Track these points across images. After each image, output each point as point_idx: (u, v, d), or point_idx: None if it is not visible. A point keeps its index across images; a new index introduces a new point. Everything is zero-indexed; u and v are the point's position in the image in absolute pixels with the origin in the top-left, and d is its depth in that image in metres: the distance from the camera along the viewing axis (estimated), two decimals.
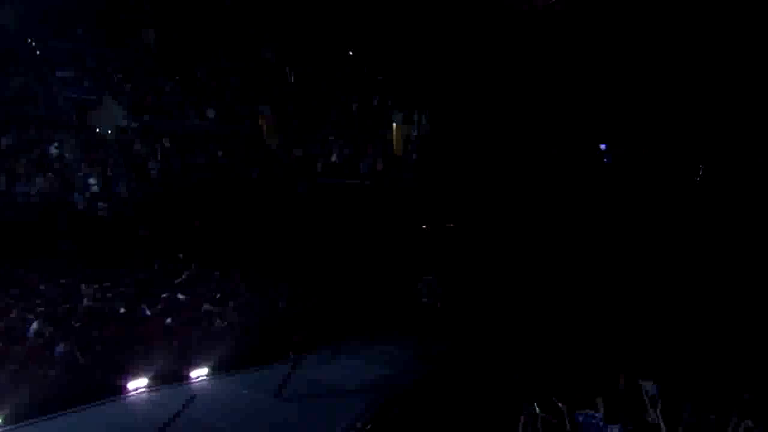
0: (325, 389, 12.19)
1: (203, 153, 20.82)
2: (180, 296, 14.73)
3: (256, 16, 24.28)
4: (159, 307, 13.91)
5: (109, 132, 19.80)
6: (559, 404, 9.15)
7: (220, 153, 21.06)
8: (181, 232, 17.23)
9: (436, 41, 22.73)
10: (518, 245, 19.47)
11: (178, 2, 23.50)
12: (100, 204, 16.88)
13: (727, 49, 17.49)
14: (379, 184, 21.84)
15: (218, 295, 15.20)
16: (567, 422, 8.84)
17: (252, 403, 11.47)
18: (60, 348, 11.62)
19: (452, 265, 19.03)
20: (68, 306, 13.03)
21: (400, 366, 13.62)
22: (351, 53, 26.99)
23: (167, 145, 20.15)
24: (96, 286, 14.04)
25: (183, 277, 15.86)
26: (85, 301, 13.47)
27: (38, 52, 20.98)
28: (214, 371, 13.00)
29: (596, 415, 9.28)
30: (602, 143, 22.81)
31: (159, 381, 12.17)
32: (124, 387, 11.76)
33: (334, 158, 22.58)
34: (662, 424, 8.94)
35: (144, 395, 11.77)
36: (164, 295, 14.44)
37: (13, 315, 12.12)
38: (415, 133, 23.79)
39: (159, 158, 19.53)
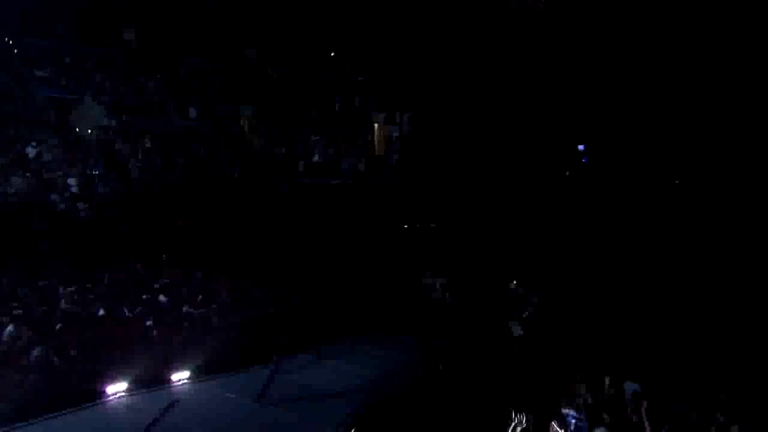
0: (307, 393, 11.80)
1: (185, 152, 20.27)
2: (161, 298, 14.25)
3: (239, 16, 23.79)
4: (139, 309, 13.43)
5: (90, 131, 19.15)
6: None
7: (202, 152, 20.54)
8: (163, 232, 16.68)
9: (418, 44, 22.47)
10: (498, 244, 19.28)
11: (159, 1, 22.89)
12: (79, 204, 16.28)
13: (705, 55, 17.38)
14: (361, 184, 21.51)
15: (200, 297, 14.72)
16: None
17: (234, 408, 11.04)
18: (36, 352, 11.11)
19: (436, 263, 18.79)
20: (45, 308, 12.50)
21: (383, 369, 13.27)
22: (333, 54, 26.61)
23: (148, 144, 19.57)
24: (73, 288, 13.47)
25: (164, 278, 15.34)
26: (62, 303, 12.94)
27: (16, 51, 20.24)
28: (196, 374, 12.53)
29: (579, 415, 9.06)
30: (580, 144, 22.73)
31: (139, 385, 11.68)
32: (103, 391, 11.27)
33: (316, 158, 22.21)
34: (646, 424, 8.68)
35: (123, 400, 11.27)
36: (145, 297, 13.96)
37: None
38: (396, 134, 23.55)
39: (140, 158, 18.97)
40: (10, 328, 11.44)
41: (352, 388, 11.98)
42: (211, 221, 17.33)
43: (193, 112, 21.91)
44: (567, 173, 21.92)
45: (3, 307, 12.10)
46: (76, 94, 19.83)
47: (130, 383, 11.53)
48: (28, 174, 16.24)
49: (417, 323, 15.79)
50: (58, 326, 12.08)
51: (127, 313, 13.16)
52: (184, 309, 14.09)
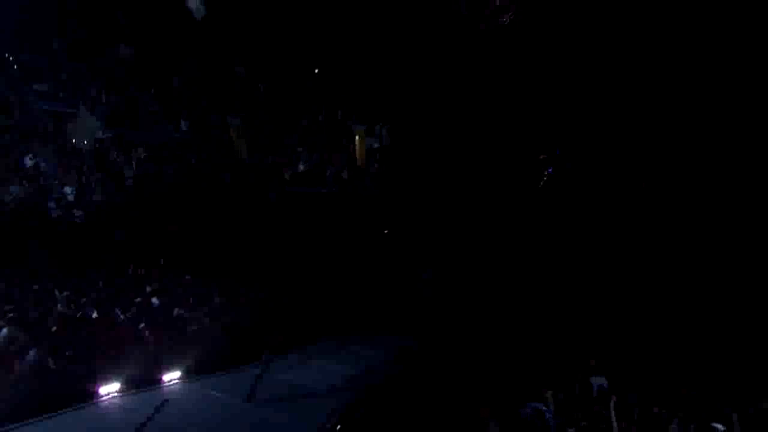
0: (295, 391, 11.46)
1: (176, 161, 19.83)
2: (154, 300, 13.77)
3: (229, 35, 23.51)
4: (132, 311, 12.94)
5: (85, 142, 18.61)
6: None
7: (192, 161, 20.11)
8: (155, 237, 16.25)
9: (397, 61, 22.44)
10: (472, 248, 19.22)
11: (153, 19, 22.49)
12: (75, 211, 15.77)
13: (675, 66, 17.24)
14: (344, 192, 21.35)
15: (191, 299, 14.29)
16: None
17: (224, 406, 10.65)
18: (31, 354, 10.61)
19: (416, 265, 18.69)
20: (40, 311, 11.97)
21: (364, 367, 12.99)
22: (317, 71, 26.45)
23: (142, 155, 19.08)
24: (68, 292, 12.94)
25: (157, 282, 14.86)
26: (59, 306, 12.42)
27: (15, 66, 19.65)
28: (187, 375, 12.09)
29: (545, 409, 8.84)
30: (545, 154, 22.74)
31: (131, 385, 11.22)
32: (97, 392, 10.79)
33: (301, 167, 22.00)
34: (614, 420, 8.48)
35: (116, 400, 10.81)
36: (138, 300, 13.46)
37: None
38: (376, 145, 23.49)
39: (134, 167, 18.48)
40: (5, 330, 10.95)
41: (336, 386, 11.70)
42: (202, 227, 16.98)
43: (184, 124, 21.52)
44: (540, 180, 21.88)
45: None
46: (72, 107, 19.32)
47: (122, 384, 11.09)
48: (25, 182, 15.68)
49: (398, 323, 15.60)
50: (53, 329, 11.57)
51: (120, 316, 12.67)
52: (176, 311, 13.64)
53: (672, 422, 8.68)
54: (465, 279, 17.91)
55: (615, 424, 8.09)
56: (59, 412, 10.00)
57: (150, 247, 15.90)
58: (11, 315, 11.44)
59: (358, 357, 13.72)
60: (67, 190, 16.35)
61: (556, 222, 18.82)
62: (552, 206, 19.67)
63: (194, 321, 13.55)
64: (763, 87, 15.60)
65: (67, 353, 11.19)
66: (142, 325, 12.55)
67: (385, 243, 20.22)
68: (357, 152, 22.45)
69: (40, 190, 15.93)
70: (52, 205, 15.66)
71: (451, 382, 11.05)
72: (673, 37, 16.80)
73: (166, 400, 9.98)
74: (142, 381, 11.41)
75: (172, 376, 11.89)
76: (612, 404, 8.19)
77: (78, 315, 12.23)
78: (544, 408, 8.78)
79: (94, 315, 12.34)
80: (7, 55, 19.61)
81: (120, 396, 10.92)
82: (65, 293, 12.90)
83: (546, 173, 21.17)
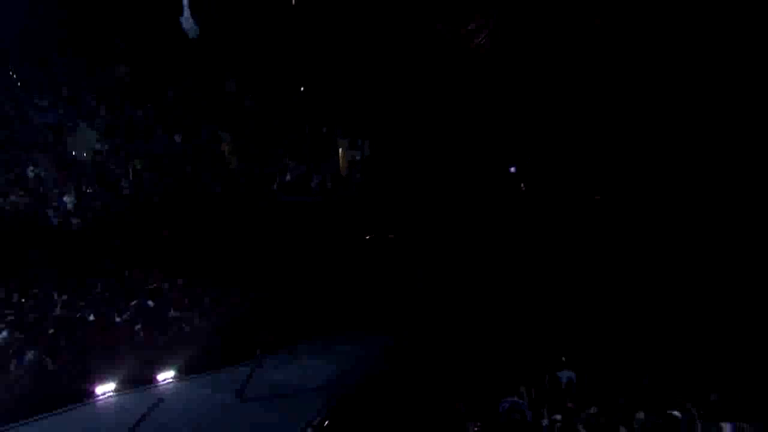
0: (285, 389, 11.13)
1: (171, 172, 19.40)
2: (149, 303, 13.33)
3: (221, 54, 23.24)
4: (128, 313, 12.50)
5: (84, 154, 18.14)
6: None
7: (186, 171, 19.70)
8: (150, 243, 15.83)
9: (378, 81, 22.46)
10: (448, 251, 19.16)
11: (149, 40, 22.11)
12: (73, 219, 15.29)
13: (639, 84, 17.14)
14: (328, 199, 21.19)
15: (185, 301, 13.88)
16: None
17: (216, 405, 10.28)
18: (29, 355, 10.17)
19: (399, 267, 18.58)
20: (38, 315, 11.49)
21: (350, 365, 12.70)
22: (302, 89, 26.31)
23: (138, 166, 18.64)
24: (66, 297, 12.48)
25: (152, 285, 14.43)
26: (57, 309, 11.96)
27: (19, 83, 19.10)
28: (180, 374, 11.70)
29: (521, 401, 8.65)
30: (512, 166, 22.79)
31: (126, 385, 10.82)
32: (92, 392, 10.38)
33: (288, 177, 21.75)
34: (582, 413, 8.33)
35: (112, 399, 10.43)
36: (133, 303, 13.02)
37: None
38: (358, 157, 23.46)
39: (130, 177, 18.03)
40: (4, 333, 10.52)
41: (325, 384, 11.41)
42: (195, 233, 16.64)
43: (177, 137, 21.13)
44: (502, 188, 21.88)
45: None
46: (71, 121, 18.85)
47: (117, 383, 10.71)
48: (24, 192, 15.16)
49: (384, 323, 15.42)
50: (50, 331, 11.13)
51: (116, 318, 12.24)
52: (170, 313, 13.23)
53: (638, 412, 8.56)
54: (441, 281, 17.79)
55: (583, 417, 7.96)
56: (56, 411, 9.65)
57: (145, 252, 15.50)
58: (10, 318, 11.02)
59: (346, 355, 13.42)
60: (66, 199, 15.87)
61: (526, 227, 18.81)
62: (523, 211, 19.68)
63: (187, 322, 13.15)
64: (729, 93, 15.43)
65: (63, 354, 10.77)
66: (138, 326, 12.13)
67: (368, 246, 20.11)
68: (340, 163, 22.40)
69: (40, 198, 15.43)
70: (51, 213, 15.18)
71: (430, 379, 10.85)
72: (640, 56, 16.73)
73: (161, 399, 9.58)
74: (137, 380, 11.05)
75: (166, 376, 11.51)
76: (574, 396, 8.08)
77: (75, 317, 11.80)
78: (520, 401, 8.60)
79: (91, 318, 11.91)
80: (11, 72, 19.09)
81: (115, 395, 10.56)
82: (63, 297, 12.45)
83: (517, 180, 21.20)
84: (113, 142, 18.94)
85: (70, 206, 15.67)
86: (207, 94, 23.53)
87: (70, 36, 20.57)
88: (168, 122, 21.59)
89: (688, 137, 16.15)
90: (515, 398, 8.41)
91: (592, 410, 8.02)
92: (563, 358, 10.52)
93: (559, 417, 7.81)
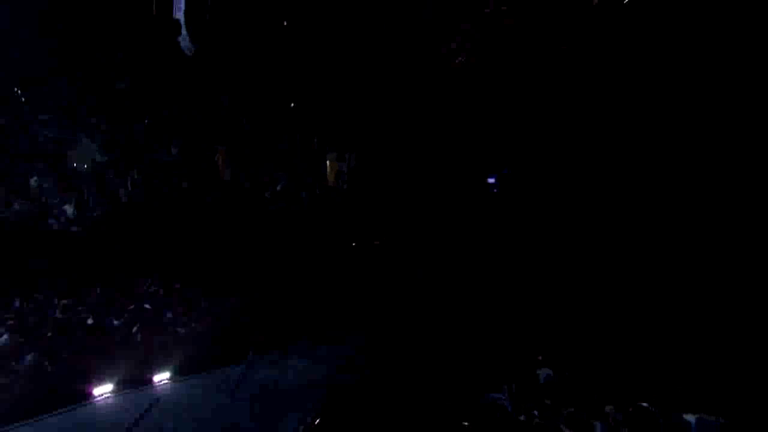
0: (277, 388, 10.82)
1: (167, 182, 19.02)
2: (146, 306, 12.93)
3: (216, 71, 22.97)
4: (126, 316, 12.10)
5: (85, 166, 17.70)
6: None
7: (182, 182, 19.32)
8: (148, 250, 15.43)
9: (363, 97, 22.42)
10: (430, 256, 19.05)
11: (147, 57, 21.74)
12: (73, 227, 14.85)
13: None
14: (317, 208, 20.98)
15: (180, 304, 13.50)
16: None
17: (209, 404, 9.95)
18: (29, 358, 9.76)
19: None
20: (38, 318, 11.06)
21: (337, 365, 12.42)
22: (292, 105, 26.13)
23: (136, 177, 18.22)
24: (66, 301, 12.03)
25: (149, 289, 14.02)
26: (57, 313, 11.52)
27: (23, 99, 18.58)
28: (176, 375, 11.33)
29: (503, 398, 8.52)
30: (491, 176, 22.78)
31: (123, 386, 10.44)
32: (90, 393, 9.99)
33: (279, 188, 21.55)
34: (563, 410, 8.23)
35: (109, 400, 10.03)
36: (131, 307, 12.62)
37: None
38: (345, 169, 23.35)
39: (129, 187, 17.61)
40: (5, 337, 10.09)
41: (316, 383, 11.13)
42: (190, 240, 16.29)
43: (174, 150, 20.76)
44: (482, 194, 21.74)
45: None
46: (73, 134, 18.38)
47: (115, 385, 10.33)
48: (26, 201, 14.69)
49: (371, 324, 15.19)
50: (49, 334, 10.71)
51: (114, 321, 11.83)
52: (166, 315, 12.85)
53: (607, 406, 8.48)
54: (425, 283, 17.61)
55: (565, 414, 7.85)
56: (54, 412, 9.24)
57: (142, 258, 15.09)
58: (11, 322, 10.59)
59: (336, 355, 13.15)
60: (67, 208, 15.43)
61: (504, 231, 18.74)
62: (501, 215, 19.63)
63: (183, 324, 12.78)
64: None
65: (62, 356, 10.37)
66: (135, 329, 11.75)
67: (354, 251, 19.95)
68: (328, 175, 22.27)
69: (42, 207, 14.97)
70: (52, 221, 14.72)
71: (417, 377, 10.65)
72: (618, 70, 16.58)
73: (157, 400, 9.26)
74: (134, 381, 10.68)
75: (162, 377, 11.13)
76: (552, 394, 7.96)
77: (74, 321, 11.38)
78: (502, 397, 8.46)
79: (90, 321, 11.50)
80: (15, 89, 18.58)
81: (113, 396, 10.16)
82: (63, 301, 12.01)
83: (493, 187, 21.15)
84: (113, 154, 18.53)
85: (70, 215, 15.24)
86: (202, 109, 23.23)
87: (71, 53, 20.11)
88: (165, 135, 21.22)
89: (671, 147, 15.89)
90: (498, 394, 8.29)
91: (571, 409, 7.92)
92: (539, 357, 10.41)
93: (536, 413, 7.68)
